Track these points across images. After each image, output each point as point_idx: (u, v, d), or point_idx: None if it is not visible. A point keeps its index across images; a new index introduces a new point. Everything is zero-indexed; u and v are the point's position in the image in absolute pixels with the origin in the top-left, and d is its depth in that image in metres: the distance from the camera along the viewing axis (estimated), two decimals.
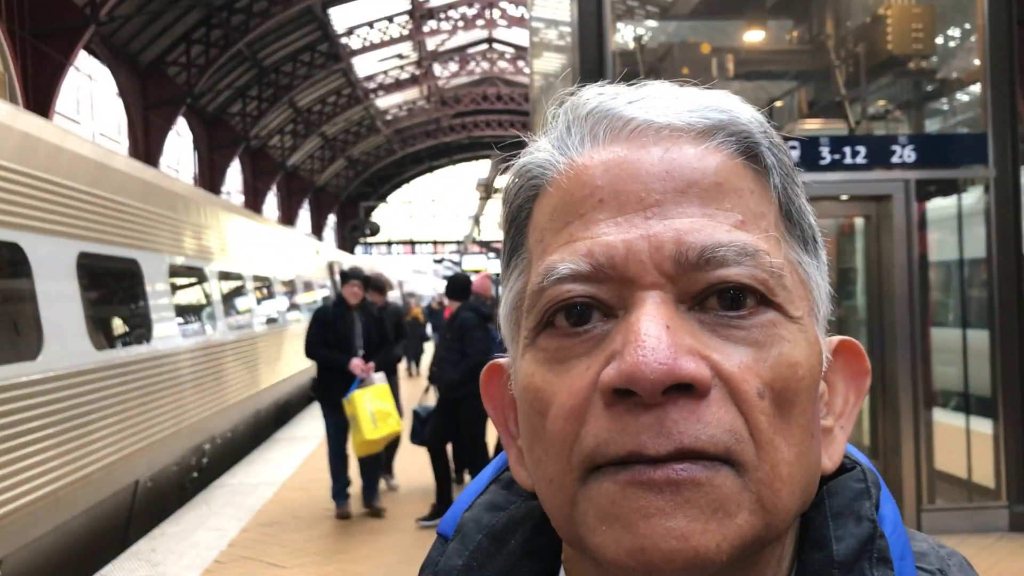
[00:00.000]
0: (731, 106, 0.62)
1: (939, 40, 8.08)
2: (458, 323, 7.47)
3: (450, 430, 7.55)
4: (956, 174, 7.08)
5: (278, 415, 13.95)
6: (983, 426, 6.88)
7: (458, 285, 7.95)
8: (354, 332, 7.87)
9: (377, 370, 7.88)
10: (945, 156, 6.97)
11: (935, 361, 7.30)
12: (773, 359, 0.56)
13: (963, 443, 6.93)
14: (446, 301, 8.21)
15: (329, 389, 7.77)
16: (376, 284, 9.43)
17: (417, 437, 8.01)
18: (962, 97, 8.27)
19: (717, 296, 0.57)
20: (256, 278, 13.15)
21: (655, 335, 0.53)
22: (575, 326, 0.58)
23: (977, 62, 7.12)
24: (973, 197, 7.21)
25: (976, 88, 7.40)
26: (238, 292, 12.03)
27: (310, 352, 7.88)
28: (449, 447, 7.78)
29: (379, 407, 7.43)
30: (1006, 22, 6.79)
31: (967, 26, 8.11)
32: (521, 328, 0.63)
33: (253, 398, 11.73)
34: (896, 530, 0.62)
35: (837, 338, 0.66)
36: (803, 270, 0.62)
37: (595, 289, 0.58)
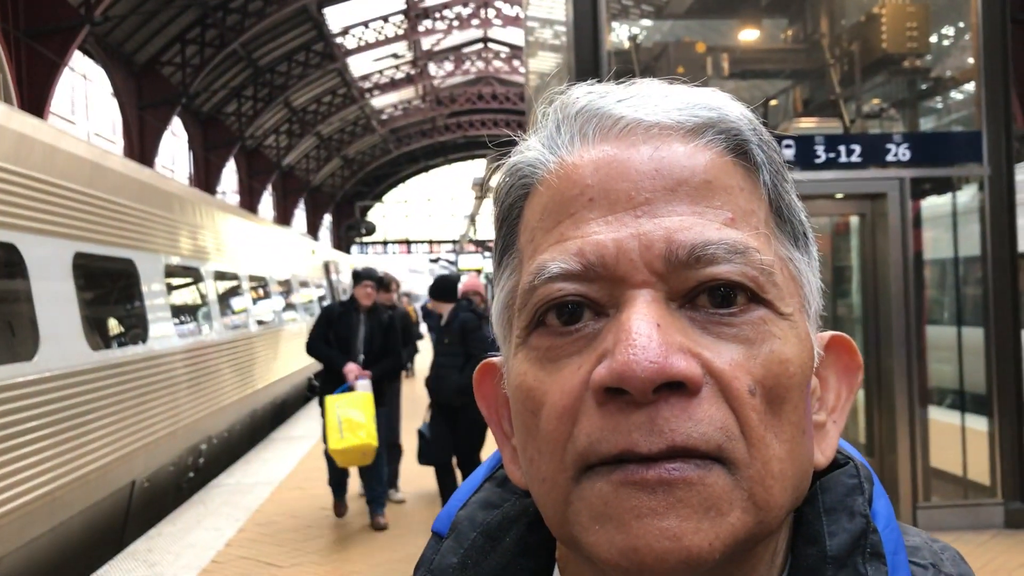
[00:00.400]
0: (720, 103, 0.62)
1: (933, 39, 8.10)
2: (459, 325, 7.22)
3: (453, 440, 7.25)
4: (951, 172, 7.10)
5: (275, 414, 13.94)
6: (978, 423, 6.90)
7: (447, 286, 7.67)
8: (356, 334, 7.56)
9: (381, 380, 7.57)
10: (940, 154, 6.98)
11: (930, 359, 7.31)
12: (764, 356, 0.56)
13: (958, 440, 6.95)
14: (434, 302, 7.72)
15: (327, 388, 7.61)
16: (381, 282, 8.82)
17: (425, 457, 7.60)
18: (956, 95, 8.29)
19: (708, 294, 0.57)
20: (252, 278, 13.14)
21: (646, 333, 0.54)
22: (566, 325, 0.58)
23: (971, 60, 7.14)
24: (968, 195, 7.23)
25: (970, 86, 7.42)
26: (234, 292, 12.03)
27: (309, 348, 7.73)
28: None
29: (350, 416, 6.91)
30: (1000, 20, 6.81)
31: (961, 25, 8.12)
32: (513, 327, 0.63)
33: (249, 398, 11.72)
34: (889, 525, 0.62)
35: (829, 333, 0.66)
36: (793, 266, 0.62)
37: (586, 288, 0.58)
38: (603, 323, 0.57)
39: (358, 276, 7.74)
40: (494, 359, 0.70)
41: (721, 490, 0.53)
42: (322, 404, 7.72)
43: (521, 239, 0.64)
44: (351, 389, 7.26)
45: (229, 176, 36.17)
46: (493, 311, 0.68)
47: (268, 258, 14.63)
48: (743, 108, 0.63)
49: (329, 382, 7.58)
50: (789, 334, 0.58)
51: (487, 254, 38.22)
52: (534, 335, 0.60)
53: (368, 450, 7.02)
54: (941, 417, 7.23)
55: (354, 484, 8.28)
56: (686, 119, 0.61)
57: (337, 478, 7.65)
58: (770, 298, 0.58)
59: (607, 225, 0.58)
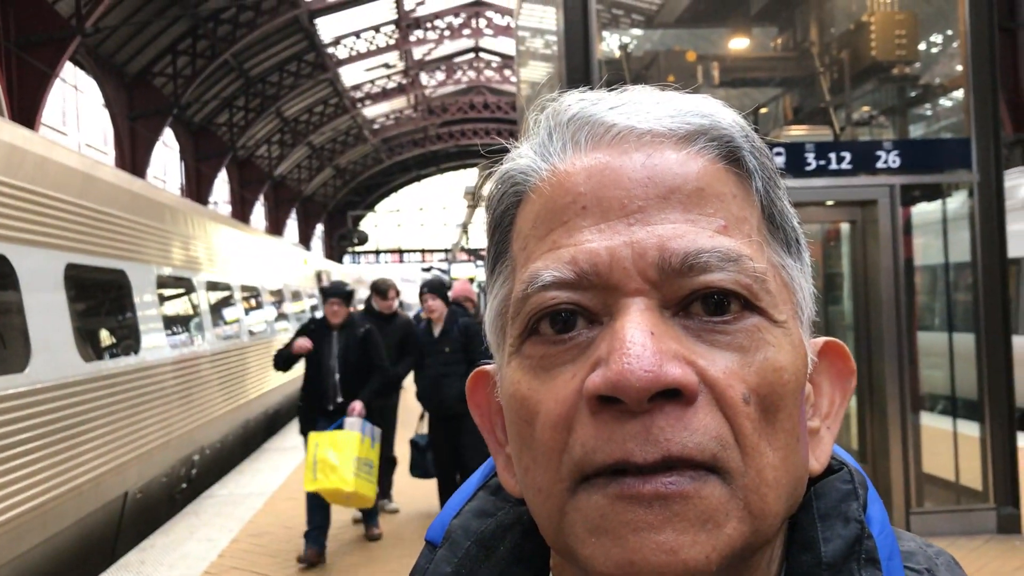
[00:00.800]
0: (712, 110, 0.62)
1: (922, 46, 8.15)
2: (460, 330, 7.02)
3: (453, 452, 7.04)
4: (940, 179, 7.13)
5: (267, 425, 13.90)
6: (970, 429, 6.91)
7: (444, 283, 7.39)
8: (329, 352, 7.05)
9: (374, 397, 7.05)
10: (929, 161, 7.01)
11: (922, 365, 7.33)
12: (758, 364, 0.56)
13: (951, 446, 6.96)
14: (430, 300, 7.22)
15: (305, 414, 7.21)
16: (379, 288, 8.47)
17: (418, 469, 7.48)
18: (945, 102, 8.33)
19: (701, 302, 0.57)
20: (244, 288, 13.12)
21: (640, 342, 0.53)
22: (560, 333, 0.58)
23: (959, 68, 7.18)
24: (957, 201, 7.26)
25: (959, 94, 7.46)
26: (226, 302, 12.00)
27: (274, 361, 7.36)
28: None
29: (325, 457, 6.34)
30: (987, 28, 6.85)
31: (949, 32, 8.17)
32: (507, 335, 0.63)
33: (242, 408, 11.69)
34: (884, 530, 0.62)
35: (822, 339, 0.66)
36: (786, 273, 0.62)
37: (579, 296, 0.57)
38: (597, 331, 0.57)
39: (325, 293, 7.21)
40: (487, 367, 0.70)
41: (717, 501, 0.53)
42: (303, 433, 7.21)
43: (514, 247, 0.64)
44: (341, 427, 6.68)
45: (221, 186, 36.13)
46: (486, 319, 0.67)
47: (260, 268, 14.61)
48: (735, 115, 0.63)
49: (309, 410, 7.15)
50: (783, 341, 0.58)
51: (479, 263, 38.19)
52: (527, 343, 0.60)
53: (351, 495, 6.40)
54: (933, 423, 7.25)
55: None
56: (678, 126, 0.60)
57: (312, 527, 6.75)
58: (763, 306, 0.58)
59: (600, 233, 0.58)
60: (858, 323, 7.15)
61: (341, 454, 6.39)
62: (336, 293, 7.14)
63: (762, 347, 0.57)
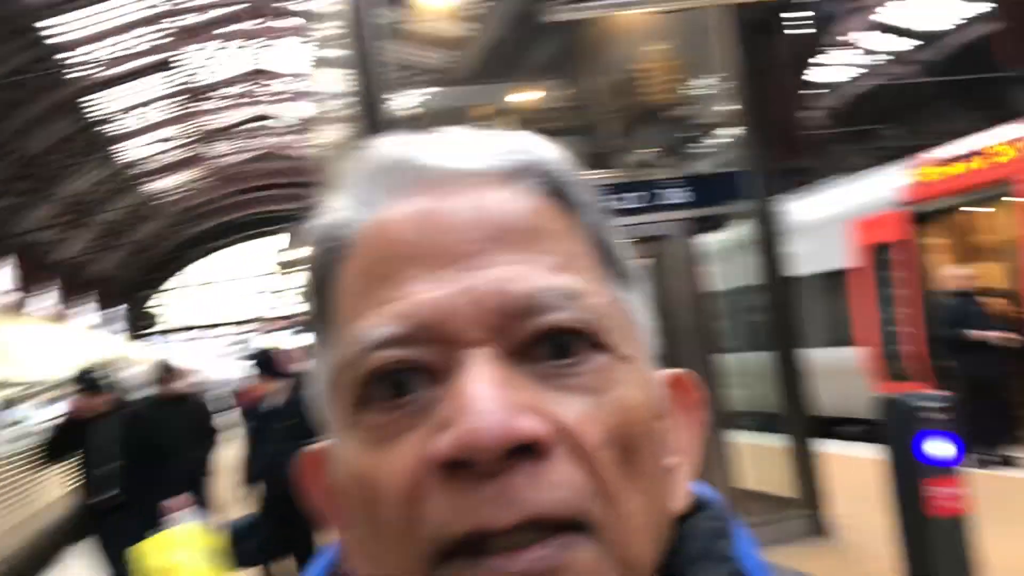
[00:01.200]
0: (534, 146, 0.59)
1: (699, 89, 8.72)
2: (304, 402, 6.66)
3: (287, 536, 6.33)
4: (724, 210, 7.60)
5: (71, 531, 12.85)
6: (778, 441, 7.32)
7: (272, 359, 6.98)
8: (101, 441, 6.16)
9: (173, 489, 6.25)
10: (713, 195, 7.46)
11: (730, 385, 7.73)
12: (611, 405, 0.53)
13: (761, 459, 7.33)
14: (254, 380, 6.83)
15: (85, 514, 6.32)
16: (163, 371, 8.20)
17: (246, 556, 6.66)
18: (722, 140, 8.93)
19: (546, 344, 0.53)
20: (30, 384, 12.22)
21: (486, 396, 0.49)
22: (397, 397, 0.52)
23: (729, 107, 7.72)
24: (740, 231, 7.75)
25: (732, 131, 8.01)
26: (10, 402, 11.12)
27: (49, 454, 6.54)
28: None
29: (169, 563, 5.49)
30: (749, 72, 7.43)
31: (723, 75, 8.77)
32: (338, 407, 0.56)
33: (35, 517, 10.78)
34: (756, 565, 0.60)
35: (669, 372, 0.64)
36: (626, 307, 0.59)
37: (415, 353, 0.52)
38: (438, 390, 0.52)
39: (74, 383, 6.43)
40: (317, 446, 0.62)
41: (592, 564, 0.50)
42: (86, 536, 6.34)
43: (338, 308, 0.57)
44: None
45: (3, 276, 33.67)
46: (314, 391, 0.60)
47: (49, 360, 13.66)
48: (558, 149, 0.61)
49: (87, 500, 6.26)
50: (633, 378, 0.55)
51: (296, 328, 37.28)
52: (362, 413, 0.53)
53: None
54: (744, 439, 7.63)
55: None
56: (501, 164, 0.57)
57: None
58: (609, 342, 0.54)
59: (432, 283, 0.53)
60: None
61: (186, 550, 5.61)
62: (82, 385, 6.32)
63: (613, 386, 0.53)
